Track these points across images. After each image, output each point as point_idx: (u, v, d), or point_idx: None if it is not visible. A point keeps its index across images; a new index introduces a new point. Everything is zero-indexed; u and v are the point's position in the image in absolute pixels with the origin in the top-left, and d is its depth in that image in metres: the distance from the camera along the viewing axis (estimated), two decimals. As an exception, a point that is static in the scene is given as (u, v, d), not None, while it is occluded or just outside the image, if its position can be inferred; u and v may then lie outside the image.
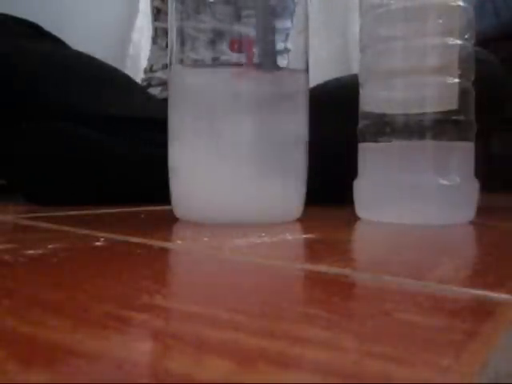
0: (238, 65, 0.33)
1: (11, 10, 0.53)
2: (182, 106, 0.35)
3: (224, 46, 0.33)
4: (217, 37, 0.34)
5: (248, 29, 0.33)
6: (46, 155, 0.49)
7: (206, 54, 0.34)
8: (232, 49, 0.33)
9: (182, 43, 0.35)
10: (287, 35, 0.34)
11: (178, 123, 0.35)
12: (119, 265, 0.21)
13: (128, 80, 0.60)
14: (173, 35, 0.35)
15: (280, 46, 0.34)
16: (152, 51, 0.75)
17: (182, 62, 0.35)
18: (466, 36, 0.34)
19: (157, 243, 0.26)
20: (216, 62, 0.34)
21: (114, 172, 0.51)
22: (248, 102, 0.33)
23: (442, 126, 0.33)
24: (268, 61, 0.33)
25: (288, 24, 0.34)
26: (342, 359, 0.10)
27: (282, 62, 0.34)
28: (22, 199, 0.52)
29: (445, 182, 0.33)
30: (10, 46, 0.48)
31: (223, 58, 0.34)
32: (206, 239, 0.27)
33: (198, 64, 0.35)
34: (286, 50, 0.34)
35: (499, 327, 0.12)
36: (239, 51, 0.33)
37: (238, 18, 0.33)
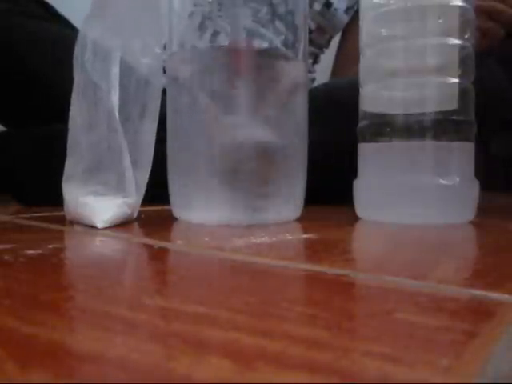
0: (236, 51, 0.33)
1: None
2: (179, 97, 0.35)
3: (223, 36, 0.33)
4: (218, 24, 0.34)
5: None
6: (38, 156, 0.50)
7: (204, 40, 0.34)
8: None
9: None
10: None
11: (176, 117, 0.35)
12: (119, 265, 0.22)
13: None
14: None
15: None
16: None
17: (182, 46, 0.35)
18: (466, 36, 0.34)
19: (157, 243, 0.26)
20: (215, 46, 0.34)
21: None
22: (247, 94, 0.33)
23: (442, 126, 0.33)
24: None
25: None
26: (341, 359, 0.10)
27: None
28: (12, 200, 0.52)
29: (445, 182, 0.33)
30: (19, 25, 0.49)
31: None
32: (206, 239, 0.27)
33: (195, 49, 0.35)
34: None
35: (499, 327, 0.12)
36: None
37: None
